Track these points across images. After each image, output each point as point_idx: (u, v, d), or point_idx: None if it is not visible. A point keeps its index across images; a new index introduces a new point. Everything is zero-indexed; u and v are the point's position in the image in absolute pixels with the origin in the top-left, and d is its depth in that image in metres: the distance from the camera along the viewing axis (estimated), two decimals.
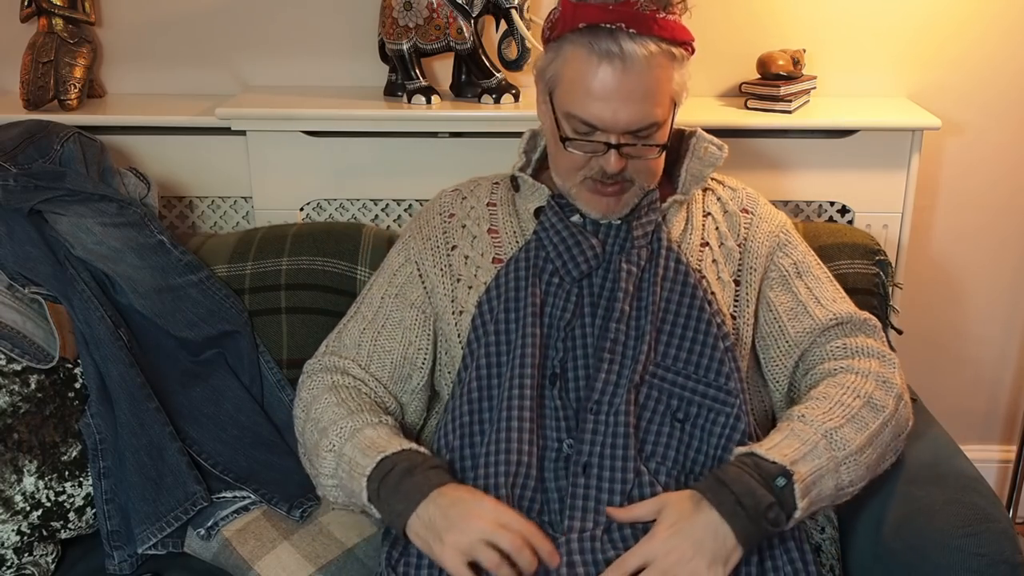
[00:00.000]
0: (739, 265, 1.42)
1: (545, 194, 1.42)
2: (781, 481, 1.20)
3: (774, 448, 1.23)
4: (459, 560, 1.17)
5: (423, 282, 1.45)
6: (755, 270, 1.42)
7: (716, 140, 1.47)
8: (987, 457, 2.34)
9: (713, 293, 1.37)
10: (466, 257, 1.44)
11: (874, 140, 1.87)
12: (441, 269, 1.44)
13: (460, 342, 1.40)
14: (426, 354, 1.44)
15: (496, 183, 1.52)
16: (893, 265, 1.75)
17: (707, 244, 1.42)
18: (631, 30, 1.25)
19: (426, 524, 1.20)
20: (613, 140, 1.29)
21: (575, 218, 1.39)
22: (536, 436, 1.29)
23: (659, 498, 1.24)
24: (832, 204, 1.94)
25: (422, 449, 1.29)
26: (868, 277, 1.66)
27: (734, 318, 1.39)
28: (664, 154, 1.36)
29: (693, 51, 1.33)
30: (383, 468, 1.25)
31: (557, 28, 1.32)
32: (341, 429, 1.32)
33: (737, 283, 1.41)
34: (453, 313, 1.42)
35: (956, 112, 2.04)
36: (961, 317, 2.24)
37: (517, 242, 1.42)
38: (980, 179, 2.11)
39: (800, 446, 1.23)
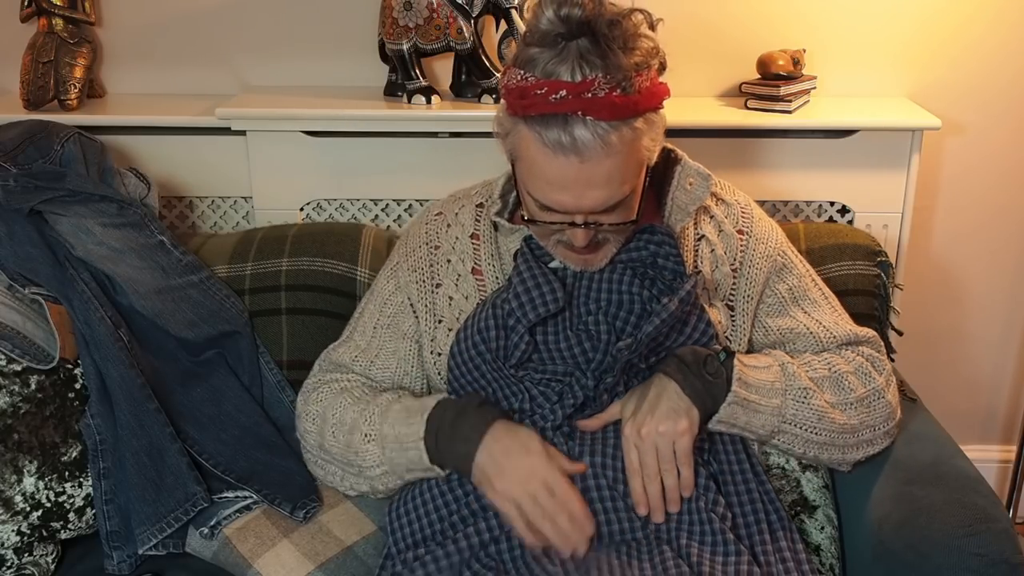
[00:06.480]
0: (733, 290, 1.39)
1: (521, 237, 1.35)
2: (722, 355, 1.30)
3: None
4: (509, 506, 1.25)
5: (415, 312, 1.43)
6: (751, 298, 1.39)
7: (703, 169, 1.39)
8: (987, 457, 2.34)
9: (708, 322, 1.33)
10: (450, 299, 1.40)
11: (874, 140, 1.87)
12: (425, 306, 1.42)
13: (442, 380, 1.40)
14: (422, 383, 1.44)
15: (479, 205, 1.44)
16: (894, 266, 1.74)
17: (699, 273, 1.35)
18: (587, 117, 1.13)
19: (481, 469, 1.26)
20: (579, 220, 1.22)
21: (554, 263, 1.33)
22: None
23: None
24: (832, 204, 1.94)
25: (453, 397, 1.34)
26: (869, 279, 1.66)
27: (728, 341, 1.37)
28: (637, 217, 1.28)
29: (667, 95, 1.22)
30: (432, 426, 1.29)
31: (507, 106, 1.21)
32: (371, 416, 1.35)
33: (731, 308, 1.39)
34: (432, 352, 1.40)
35: (956, 112, 2.04)
36: (961, 317, 2.24)
37: (498, 285, 1.38)
38: (980, 179, 2.11)
39: (753, 361, 1.33)
